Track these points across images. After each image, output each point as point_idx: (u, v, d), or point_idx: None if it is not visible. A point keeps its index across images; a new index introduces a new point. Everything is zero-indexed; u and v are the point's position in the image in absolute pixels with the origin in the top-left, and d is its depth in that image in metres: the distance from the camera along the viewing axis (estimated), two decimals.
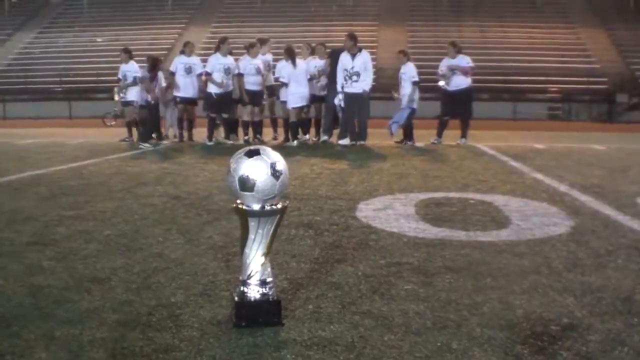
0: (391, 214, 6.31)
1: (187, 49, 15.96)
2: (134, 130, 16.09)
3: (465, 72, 15.25)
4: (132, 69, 15.85)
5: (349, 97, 14.04)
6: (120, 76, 16.05)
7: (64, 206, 6.63)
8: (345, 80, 14.00)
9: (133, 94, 15.52)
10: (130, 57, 16.01)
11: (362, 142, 14.29)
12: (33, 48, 44.87)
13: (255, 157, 3.14)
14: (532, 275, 4.18)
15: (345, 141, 14.23)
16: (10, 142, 15.93)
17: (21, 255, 4.63)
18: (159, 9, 48.27)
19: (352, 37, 14.39)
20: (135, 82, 15.57)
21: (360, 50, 14.24)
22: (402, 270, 4.30)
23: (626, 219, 6.10)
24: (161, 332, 3.16)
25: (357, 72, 14.00)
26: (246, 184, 3.12)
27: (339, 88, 14.09)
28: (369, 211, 6.42)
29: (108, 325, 3.24)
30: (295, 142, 14.75)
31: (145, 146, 14.37)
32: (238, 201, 3.21)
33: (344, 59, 14.06)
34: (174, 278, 4.06)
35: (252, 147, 3.21)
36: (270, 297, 3.28)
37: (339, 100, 14.19)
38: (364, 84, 14.08)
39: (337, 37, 37.61)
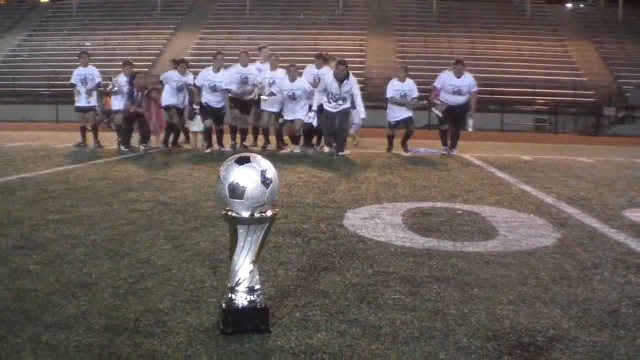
0: (379, 223, 6.31)
1: (215, 63, 14.94)
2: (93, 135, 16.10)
3: (472, 95, 15.17)
4: (94, 72, 15.91)
5: (332, 114, 14.17)
6: (75, 81, 15.94)
7: (50, 210, 6.60)
8: (330, 102, 14.07)
9: (118, 103, 15.25)
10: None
11: (342, 154, 14.14)
12: (21, 51, 44.75)
13: (245, 165, 3.14)
14: (519, 287, 4.20)
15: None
16: None
17: (7, 259, 4.61)
18: (148, 14, 48.29)
19: (343, 63, 14.27)
20: (99, 86, 15.75)
21: (348, 76, 14.09)
22: (390, 279, 4.30)
23: (613, 232, 6.12)
24: (148, 338, 3.15)
25: (344, 97, 14.07)
26: (236, 192, 3.12)
27: (314, 107, 14.24)
28: (357, 220, 6.43)
29: (95, 330, 3.23)
30: (298, 150, 15.05)
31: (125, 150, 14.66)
32: (227, 208, 3.21)
33: (332, 84, 13.94)
34: (161, 284, 4.05)
35: (242, 155, 3.21)
36: (258, 304, 3.27)
37: (309, 118, 14.39)
38: (360, 113, 14.76)
39: (325, 46, 37.85)
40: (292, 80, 14.76)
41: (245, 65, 15.32)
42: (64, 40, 44.35)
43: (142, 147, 14.79)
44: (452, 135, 15.45)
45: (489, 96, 34.01)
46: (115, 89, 15.09)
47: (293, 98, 14.79)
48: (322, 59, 15.88)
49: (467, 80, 15.06)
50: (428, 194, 8.40)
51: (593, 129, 34.98)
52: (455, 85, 14.92)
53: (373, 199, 7.84)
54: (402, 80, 15.33)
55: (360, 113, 14.88)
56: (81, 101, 15.91)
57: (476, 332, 3.34)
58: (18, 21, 49.45)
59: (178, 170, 10.70)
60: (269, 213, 3.22)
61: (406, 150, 15.33)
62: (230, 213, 3.19)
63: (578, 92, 36.93)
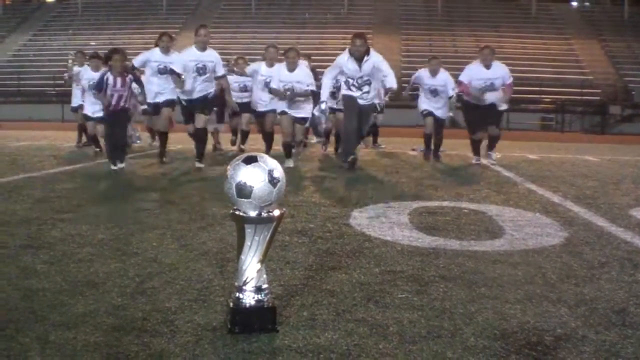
0: (385, 222, 6.31)
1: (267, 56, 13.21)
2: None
3: (506, 89, 12.38)
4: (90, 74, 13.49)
5: (354, 101, 11.00)
6: (87, 85, 13.42)
7: (57, 209, 6.61)
8: (350, 88, 10.99)
9: (91, 107, 13.08)
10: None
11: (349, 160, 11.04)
12: (26, 51, 44.79)
13: (252, 164, 3.14)
14: (526, 286, 4.19)
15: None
16: (3, 145, 15.88)
17: (15, 259, 4.62)
18: (153, 13, 48.28)
19: (360, 36, 10.89)
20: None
21: (368, 51, 10.86)
22: (396, 278, 4.30)
23: (619, 230, 6.11)
24: (156, 337, 3.15)
25: (367, 82, 10.95)
26: (243, 191, 3.12)
27: (324, 96, 11.09)
28: (363, 219, 6.42)
29: (102, 329, 3.23)
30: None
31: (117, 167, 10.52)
32: (235, 208, 3.21)
33: (347, 64, 10.82)
34: (168, 283, 4.06)
35: (249, 154, 3.22)
36: (265, 303, 3.28)
37: (320, 110, 11.85)
38: (390, 81, 11.10)
39: (330, 44, 37.84)
40: (291, 69, 11.52)
41: (241, 71, 13.72)
42: (69, 40, 44.34)
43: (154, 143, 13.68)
44: (492, 139, 12.96)
45: None
46: (66, 76, 14.47)
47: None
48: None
49: (499, 71, 12.27)
50: (434, 193, 8.40)
51: (599, 127, 34.90)
52: (485, 79, 12.15)
53: (379, 198, 7.83)
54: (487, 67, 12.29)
55: (387, 82, 11.26)
56: (76, 101, 15.27)
57: (483, 331, 3.34)
58: (23, 21, 49.50)
59: (184, 170, 10.72)
60: (276, 212, 3.22)
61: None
62: (237, 212, 3.19)
63: (584, 90, 36.84)
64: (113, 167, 10.25)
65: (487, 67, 12.20)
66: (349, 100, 11.05)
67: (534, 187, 9.15)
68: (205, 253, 4.88)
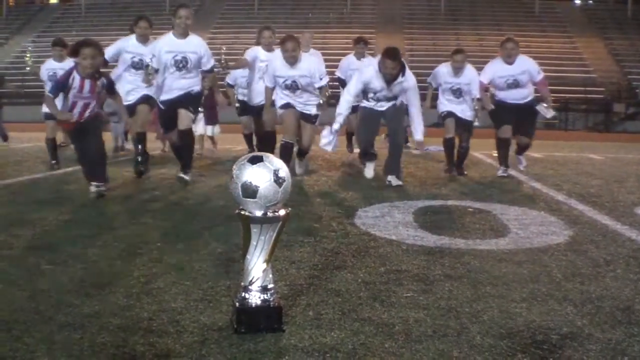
0: (390, 221, 6.31)
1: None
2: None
3: (540, 87, 10.63)
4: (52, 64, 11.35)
5: (374, 113, 9.27)
6: (43, 77, 11.39)
7: (62, 211, 6.62)
8: (370, 100, 9.12)
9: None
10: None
11: (397, 183, 8.90)
12: (30, 51, 44.86)
13: (258, 164, 3.14)
14: (532, 284, 4.19)
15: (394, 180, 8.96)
16: (7, 146, 15.90)
17: (21, 260, 4.63)
18: (156, 14, 48.24)
19: (393, 56, 8.65)
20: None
21: (403, 71, 8.86)
22: (402, 277, 4.30)
23: (624, 228, 6.11)
24: (162, 337, 3.15)
25: (393, 98, 9.14)
26: (249, 191, 3.13)
27: (344, 110, 8.99)
28: (368, 218, 6.42)
29: (109, 330, 3.24)
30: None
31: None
32: (240, 207, 3.22)
33: (373, 79, 8.85)
34: (174, 283, 4.06)
35: (255, 154, 3.22)
36: (271, 303, 3.28)
37: (331, 132, 9.10)
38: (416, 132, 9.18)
39: (333, 44, 37.80)
40: (292, 63, 9.50)
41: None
42: (72, 41, 44.32)
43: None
44: (521, 146, 11.11)
45: None
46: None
47: (294, 88, 9.66)
48: (364, 43, 11.87)
49: (525, 64, 10.27)
50: (438, 192, 8.39)
51: (603, 125, 34.88)
52: (508, 76, 10.16)
53: (384, 197, 7.83)
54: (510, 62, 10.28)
55: (416, 132, 9.21)
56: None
57: (489, 329, 3.34)
58: (27, 22, 49.62)
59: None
60: (282, 212, 3.22)
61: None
62: (243, 212, 3.19)
63: (587, 88, 36.81)
64: (93, 190, 7.50)
65: (510, 63, 10.15)
66: (369, 112, 9.26)
67: (539, 185, 9.14)
68: (210, 253, 4.89)
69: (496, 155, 10.81)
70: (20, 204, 7.04)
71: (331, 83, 10.39)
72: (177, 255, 4.82)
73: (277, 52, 9.82)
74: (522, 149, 11.23)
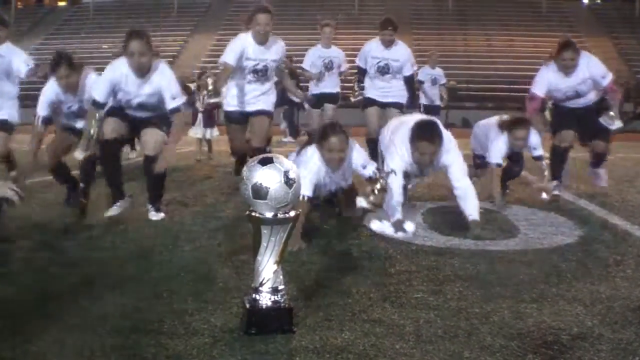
0: None
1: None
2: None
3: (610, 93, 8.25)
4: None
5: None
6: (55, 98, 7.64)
7: (71, 213, 6.63)
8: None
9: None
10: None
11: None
12: (39, 54, 44.85)
13: (268, 165, 3.15)
14: (542, 285, 4.18)
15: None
16: (14, 148, 15.90)
17: (30, 262, 4.65)
18: (164, 16, 48.37)
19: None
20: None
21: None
22: (412, 278, 4.30)
23: (634, 228, 6.09)
24: (173, 339, 3.16)
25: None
26: (259, 192, 3.13)
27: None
28: (377, 219, 6.41)
29: (119, 332, 3.25)
30: None
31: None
32: (251, 209, 3.22)
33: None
34: (184, 285, 4.07)
35: (265, 155, 3.23)
36: (282, 304, 3.29)
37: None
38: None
39: (342, 44, 37.81)
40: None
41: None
42: (81, 43, 44.46)
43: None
44: (598, 153, 8.35)
45: (506, 93, 33.86)
46: None
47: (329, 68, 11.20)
48: (392, 29, 9.69)
49: (585, 71, 8.07)
50: (447, 193, 8.35)
51: None
52: (567, 88, 8.00)
53: None
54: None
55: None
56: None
57: (500, 330, 3.34)
58: (35, 25, 49.67)
59: (195, 172, 10.72)
60: (292, 213, 3.23)
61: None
62: (253, 213, 3.20)
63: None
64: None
65: (569, 73, 7.95)
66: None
67: None
68: (220, 254, 4.90)
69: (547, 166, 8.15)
70: (28, 206, 7.03)
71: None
72: (187, 256, 4.83)
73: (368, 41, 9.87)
74: (599, 158, 8.49)
